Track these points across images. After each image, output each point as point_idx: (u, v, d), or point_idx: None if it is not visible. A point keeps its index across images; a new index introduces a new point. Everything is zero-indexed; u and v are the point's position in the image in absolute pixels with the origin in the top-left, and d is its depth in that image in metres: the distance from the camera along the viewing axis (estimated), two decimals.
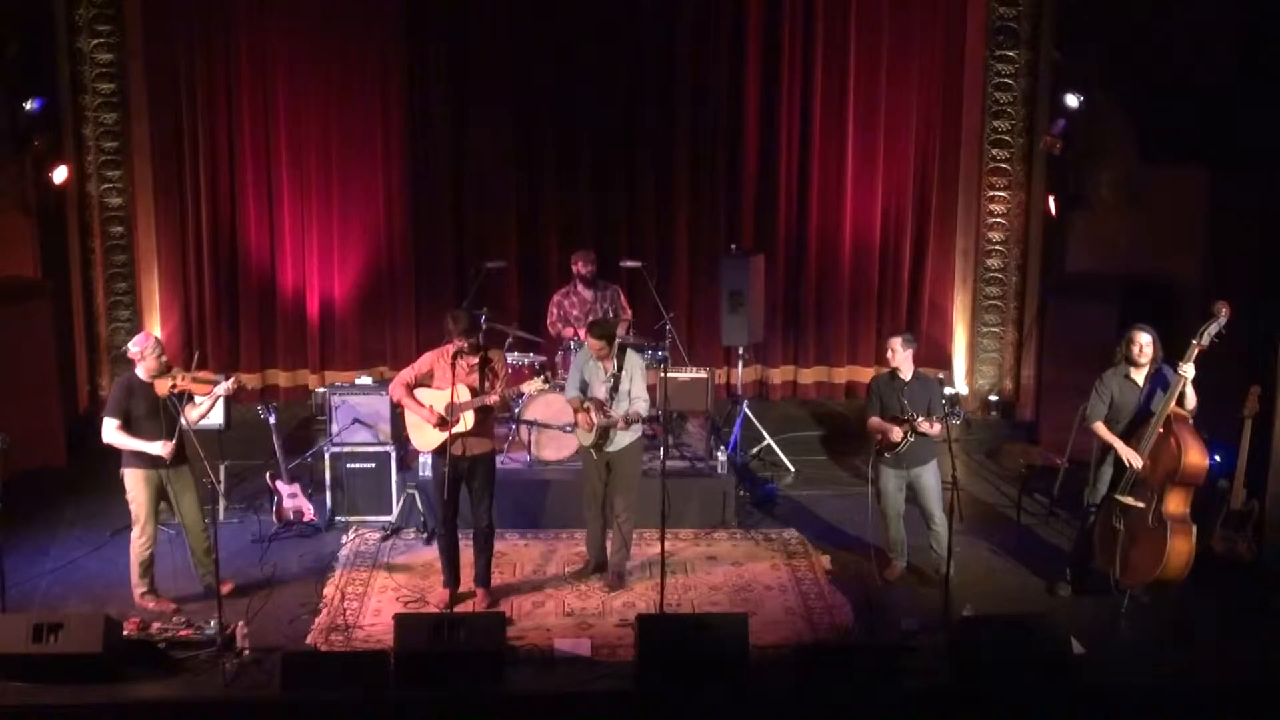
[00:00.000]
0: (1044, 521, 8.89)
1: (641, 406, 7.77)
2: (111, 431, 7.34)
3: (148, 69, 10.54)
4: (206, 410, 7.56)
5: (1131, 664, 7.02)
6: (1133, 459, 7.33)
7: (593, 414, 7.72)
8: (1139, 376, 7.50)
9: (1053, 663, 6.71)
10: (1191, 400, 7.31)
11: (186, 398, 7.36)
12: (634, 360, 7.86)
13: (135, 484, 7.40)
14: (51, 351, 9.93)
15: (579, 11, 10.79)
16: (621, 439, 7.81)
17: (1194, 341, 7.21)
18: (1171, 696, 6.74)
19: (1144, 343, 7.45)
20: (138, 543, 7.45)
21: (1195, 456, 7.19)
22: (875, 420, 7.87)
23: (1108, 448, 7.52)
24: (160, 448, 7.26)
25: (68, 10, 10.25)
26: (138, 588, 7.48)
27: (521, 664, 6.89)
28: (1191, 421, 7.32)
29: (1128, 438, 7.45)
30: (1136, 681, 6.86)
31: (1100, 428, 7.52)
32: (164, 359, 7.42)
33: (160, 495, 7.46)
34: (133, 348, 7.45)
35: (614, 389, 7.74)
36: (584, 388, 7.86)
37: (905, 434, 7.70)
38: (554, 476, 8.91)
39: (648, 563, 8.06)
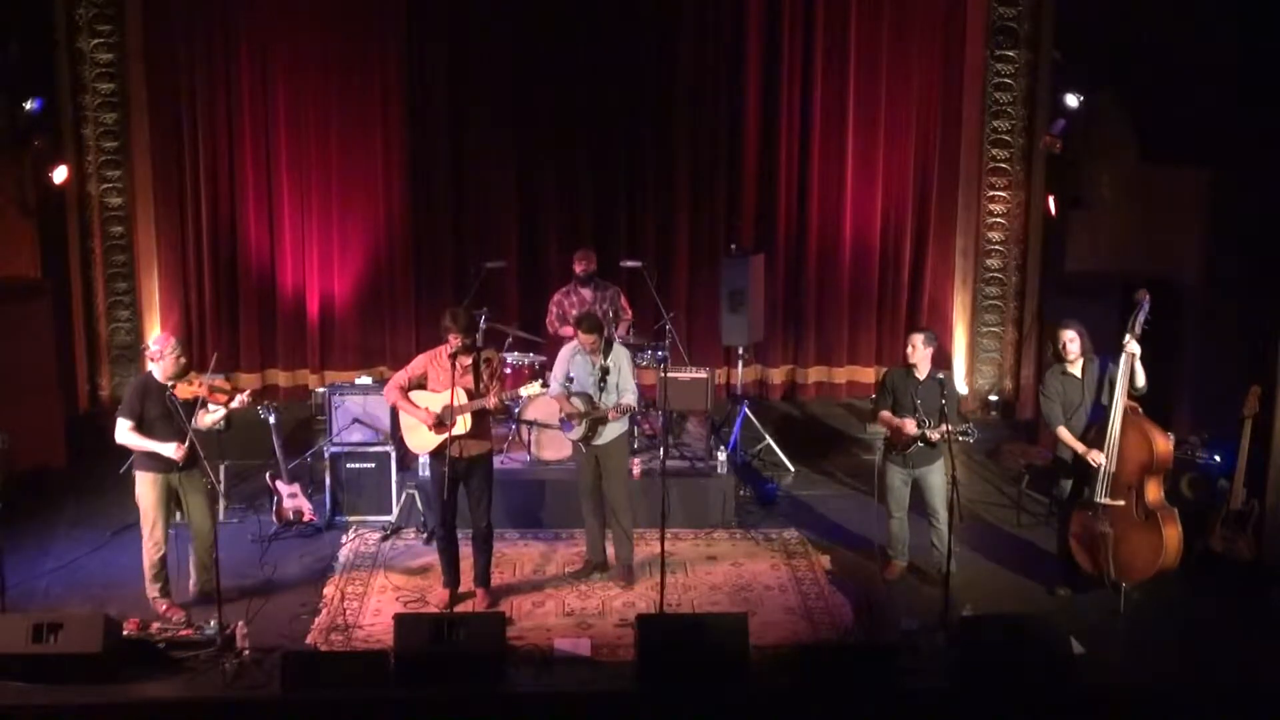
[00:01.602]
0: (1044, 521, 8.89)
1: (630, 399, 7.79)
2: (125, 432, 7.27)
3: (148, 69, 10.54)
4: (217, 420, 7.51)
5: (1131, 664, 7.03)
6: (1096, 458, 7.37)
7: (580, 407, 7.74)
8: (1076, 371, 7.61)
9: (1053, 663, 6.70)
10: (1141, 379, 7.35)
11: (200, 402, 7.34)
12: (621, 353, 7.90)
13: (145, 486, 7.34)
14: (51, 351, 9.94)
15: (579, 12, 10.79)
16: (609, 432, 7.82)
17: (1127, 334, 7.29)
18: (1171, 696, 6.74)
19: (1067, 338, 7.59)
20: (148, 545, 7.37)
21: (1163, 443, 7.30)
22: (887, 414, 7.86)
23: (1059, 456, 7.65)
24: (173, 450, 7.20)
25: (68, 10, 10.26)
26: (150, 590, 7.41)
27: (521, 664, 6.88)
28: (1141, 409, 7.40)
29: (1087, 433, 7.52)
30: (1136, 681, 6.87)
31: (1062, 432, 7.59)
32: (183, 361, 7.38)
33: (171, 498, 7.40)
34: (153, 346, 7.40)
35: (602, 382, 7.76)
36: (569, 382, 7.89)
37: (916, 438, 7.70)
38: (554, 476, 8.91)
39: (648, 563, 8.06)
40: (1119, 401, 7.31)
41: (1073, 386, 7.60)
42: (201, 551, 7.49)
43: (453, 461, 7.33)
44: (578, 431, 7.80)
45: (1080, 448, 7.47)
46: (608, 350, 7.82)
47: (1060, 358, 7.62)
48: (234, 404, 7.43)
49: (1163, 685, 6.84)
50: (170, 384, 7.24)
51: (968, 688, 6.71)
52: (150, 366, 7.37)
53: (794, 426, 10.86)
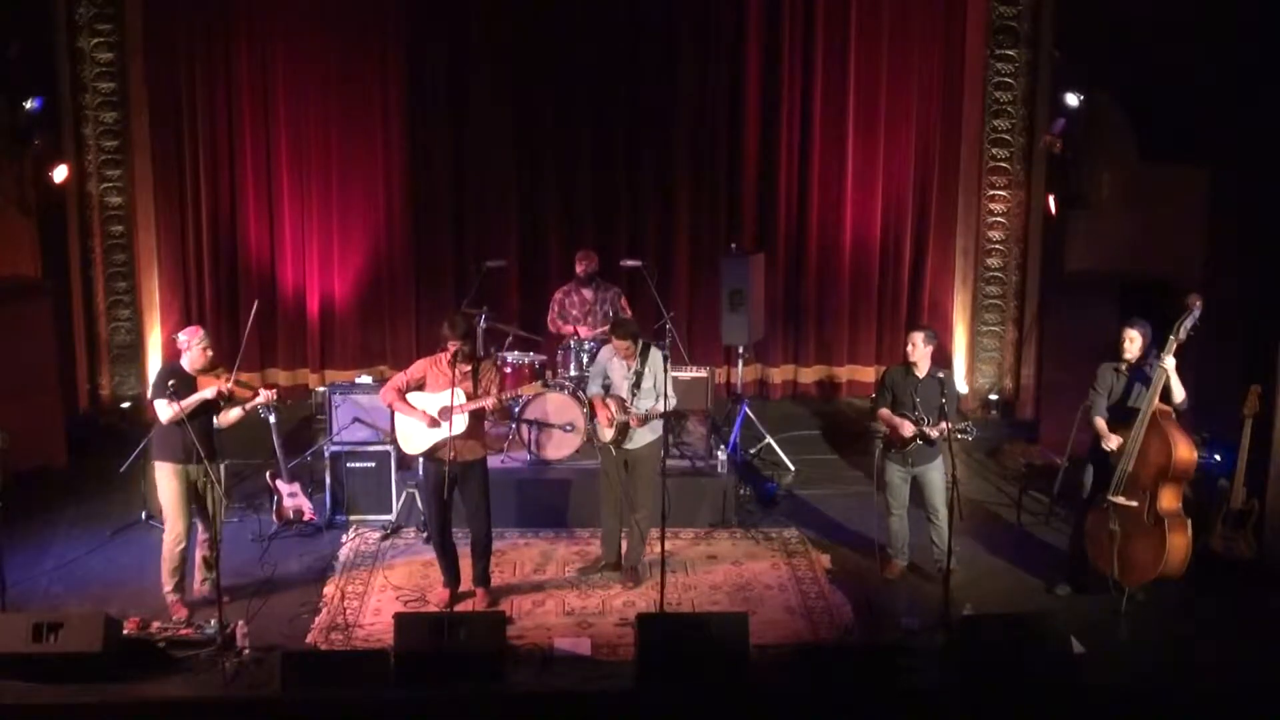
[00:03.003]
0: (1044, 521, 8.89)
1: (659, 405, 7.77)
2: (165, 408, 7.19)
3: (148, 68, 10.54)
4: (240, 417, 7.51)
5: (1131, 664, 7.02)
6: (1111, 442, 7.36)
7: (612, 409, 7.74)
8: (1127, 369, 7.59)
9: (1053, 662, 6.70)
10: (1180, 394, 7.33)
11: (221, 399, 7.34)
12: (657, 358, 7.89)
13: (166, 479, 7.31)
14: (51, 351, 9.93)
15: (579, 12, 10.80)
16: (640, 438, 7.82)
17: (1171, 336, 7.27)
18: (1171, 696, 6.74)
19: (1128, 336, 7.55)
20: (168, 540, 7.36)
21: (1184, 451, 7.24)
22: (886, 413, 7.87)
23: (1091, 450, 7.60)
24: (212, 392, 7.20)
25: (68, 10, 10.25)
26: (166, 584, 7.39)
27: (521, 663, 6.88)
28: (1175, 415, 7.35)
29: (1112, 431, 7.51)
30: (1136, 681, 6.87)
31: (1099, 422, 7.58)
32: (210, 354, 7.39)
33: (192, 492, 7.36)
34: (181, 337, 7.42)
35: (636, 385, 7.77)
36: (606, 385, 7.89)
37: (915, 435, 7.70)
38: (555, 476, 8.91)
39: (648, 562, 8.05)
40: (1148, 405, 7.29)
41: (1120, 384, 7.59)
42: (213, 548, 7.47)
43: (447, 464, 7.31)
44: (608, 434, 7.81)
45: (1104, 430, 7.46)
46: (645, 355, 7.83)
47: (1119, 354, 7.60)
48: (258, 401, 7.45)
49: (1163, 685, 6.84)
50: (196, 375, 7.28)
51: (968, 687, 6.71)
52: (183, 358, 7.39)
53: (794, 426, 10.85)
